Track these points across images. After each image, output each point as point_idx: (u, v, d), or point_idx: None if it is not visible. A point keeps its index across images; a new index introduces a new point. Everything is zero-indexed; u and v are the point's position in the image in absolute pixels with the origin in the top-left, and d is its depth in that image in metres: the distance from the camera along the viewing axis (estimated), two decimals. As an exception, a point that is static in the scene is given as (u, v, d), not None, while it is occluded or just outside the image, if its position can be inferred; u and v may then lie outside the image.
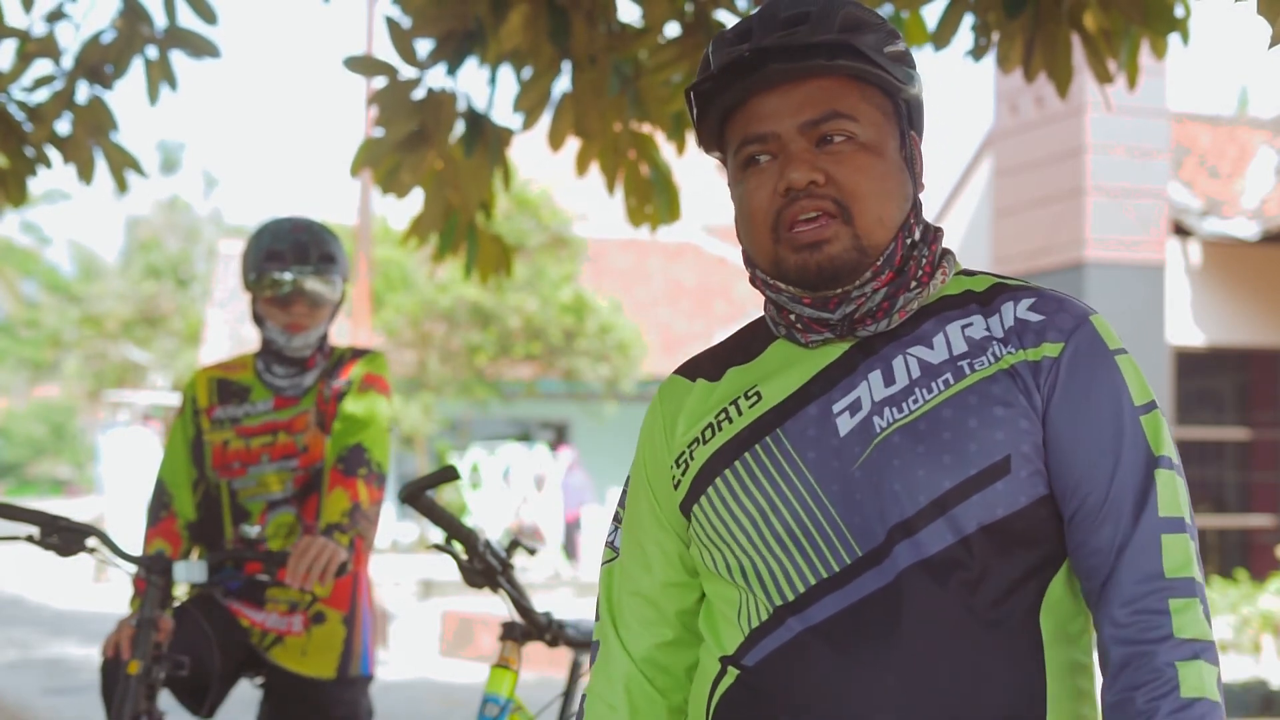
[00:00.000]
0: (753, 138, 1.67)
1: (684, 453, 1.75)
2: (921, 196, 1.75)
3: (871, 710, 1.57)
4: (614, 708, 1.80)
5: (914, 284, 1.68)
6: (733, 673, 1.68)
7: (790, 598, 1.63)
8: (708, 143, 1.75)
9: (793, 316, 1.71)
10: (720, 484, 1.69)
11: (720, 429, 1.72)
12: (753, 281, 1.75)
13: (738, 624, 1.68)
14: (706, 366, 1.81)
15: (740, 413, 1.71)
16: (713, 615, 1.74)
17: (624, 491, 1.88)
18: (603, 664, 1.82)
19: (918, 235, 1.70)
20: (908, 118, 1.72)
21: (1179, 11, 3.92)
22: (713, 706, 1.70)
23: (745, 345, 1.79)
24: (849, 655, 1.59)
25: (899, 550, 1.58)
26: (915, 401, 1.63)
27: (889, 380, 1.65)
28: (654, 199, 4.53)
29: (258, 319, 3.59)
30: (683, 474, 1.74)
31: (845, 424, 1.65)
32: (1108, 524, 1.59)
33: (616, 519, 1.88)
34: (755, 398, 1.71)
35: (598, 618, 1.86)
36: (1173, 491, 1.60)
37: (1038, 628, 1.60)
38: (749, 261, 1.74)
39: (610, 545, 1.87)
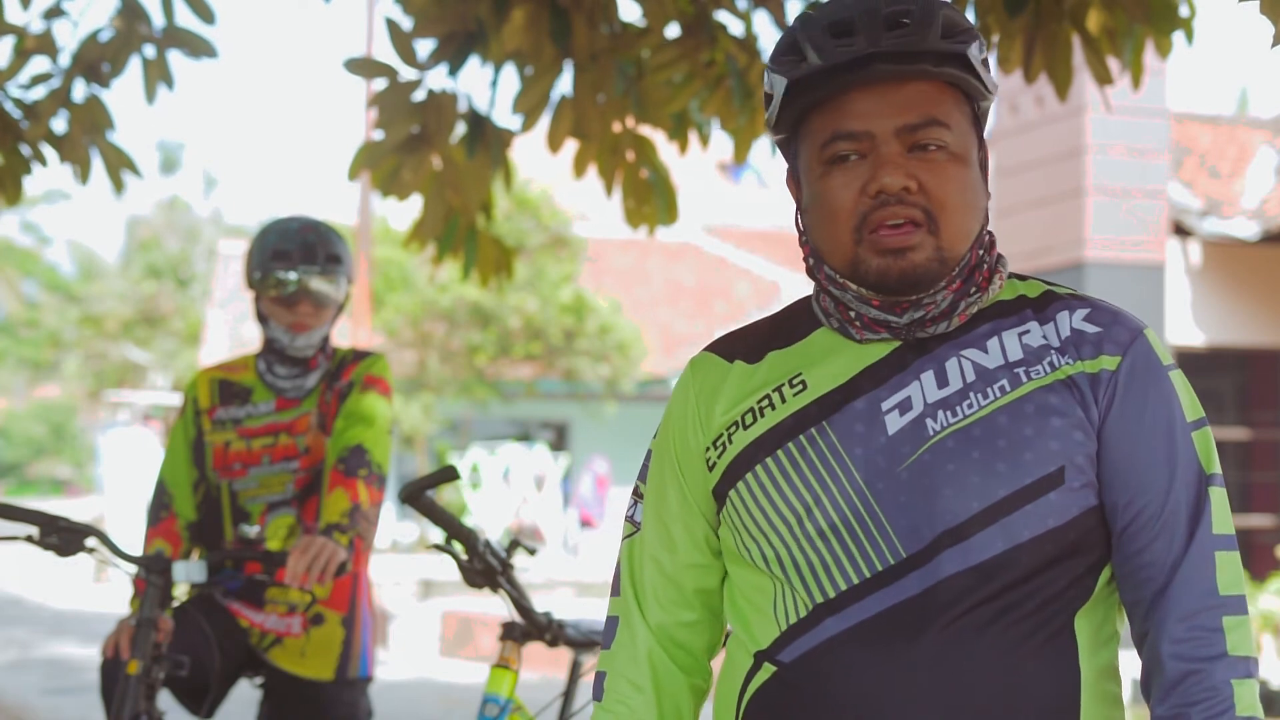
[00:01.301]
0: (844, 134, 1.64)
1: (722, 435, 1.72)
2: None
3: (909, 713, 1.57)
4: (639, 686, 1.77)
5: (974, 289, 1.68)
6: (768, 669, 1.66)
7: (831, 594, 1.62)
8: (782, 128, 1.72)
9: (852, 314, 1.69)
10: (761, 471, 1.68)
11: (762, 415, 1.70)
12: (812, 274, 1.73)
13: (773, 617, 1.66)
14: (743, 347, 1.78)
15: (784, 400, 1.70)
16: (741, 604, 1.72)
17: (644, 465, 1.85)
18: (625, 640, 1.79)
19: (986, 243, 1.71)
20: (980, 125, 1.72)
21: (1183, 10, 3.92)
22: (745, 701, 1.69)
23: (786, 329, 1.77)
24: (886, 657, 1.58)
25: (947, 555, 1.58)
26: (970, 406, 1.62)
27: (942, 382, 1.64)
28: (652, 200, 4.52)
29: (261, 318, 3.58)
30: (719, 456, 1.72)
31: (894, 422, 1.64)
32: (1162, 539, 1.61)
33: (637, 493, 1.85)
34: (800, 386, 1.70)
35: (616, 592, 1.82)
36: (1224, 509, 1.63)
37: (1074, 633, 1.61)
38: (815, 255, 1.72)
39: (630, 520, 1.84)
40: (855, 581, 1.60)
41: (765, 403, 1.71)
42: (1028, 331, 1.67)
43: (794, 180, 1.75)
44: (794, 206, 1.75)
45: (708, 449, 1.74)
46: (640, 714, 1.77)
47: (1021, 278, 1.74)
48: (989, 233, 1.74)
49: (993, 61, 4.18)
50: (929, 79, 1.64)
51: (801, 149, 1.70)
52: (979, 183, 1.68)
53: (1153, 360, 1.65)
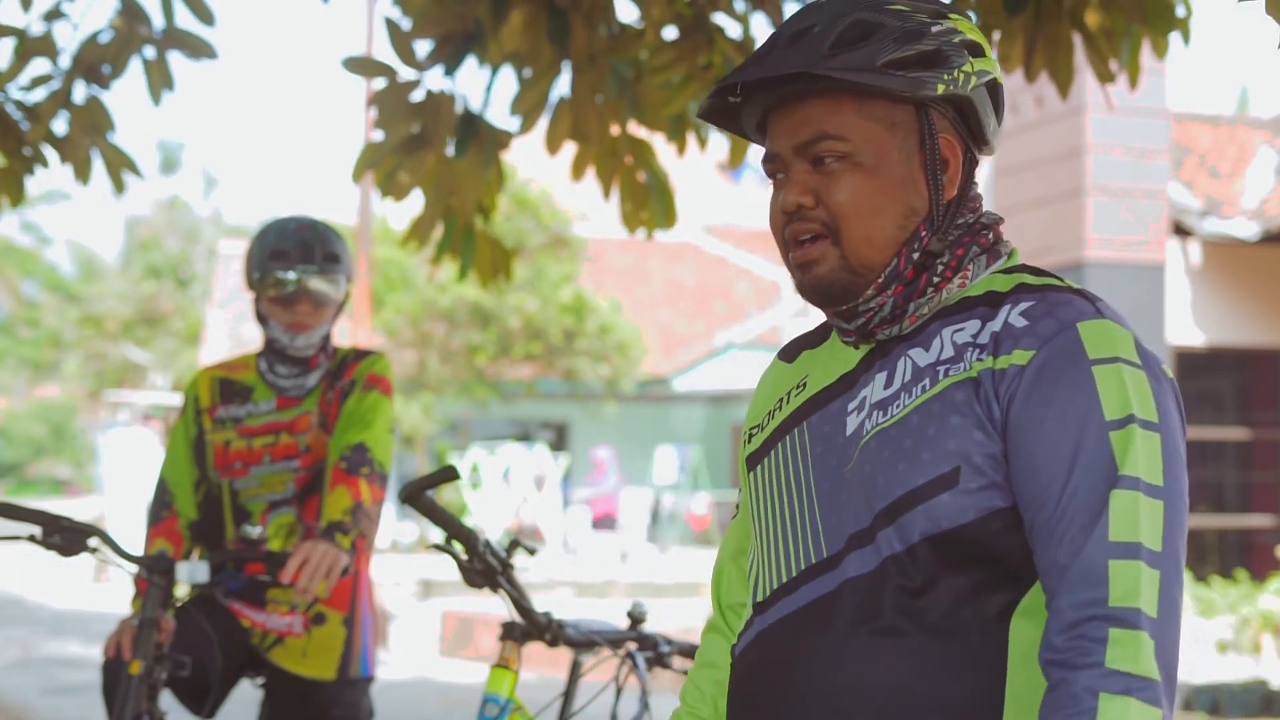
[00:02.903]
0: (768, 157, 1.70)
1: (749, 434, 1.82)
2: (976, 198, 1.71)
3: (807, 708, 1.60)
4: (705, 663, 1.87)
5: (929, 290, 1.66)
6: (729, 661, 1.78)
7: (767, 593, 1.68)
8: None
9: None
10: (759, 471, 1.75)
11: (773, 417, 1.77)
12: None
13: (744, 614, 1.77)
14: (791, 347, 1.86)
15: (789, 401, 1.76)
16: None
17: None
18: (710, 620, 1.90)
19: (932, 245, 1.65)
20: (955, 119, 1.67)
21: (1180, 11, 3.92)
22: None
23: (825, 330, 1.82)
24: (792, 654, 1.63)
25: (853, 555, 1.60)
26: (897, 406, 1.62)
27: (889, 382, 1.65)
28: (650, 204, 4.53)
29: (261, 318, 3.59)
30: (746, 455, 1.81)
31: (851, 423, 1.66)
32: (1054, 543, 1.52)
33: None
34: (802, 388, 1.75)
35: None
36: (1131, 515, 1.49)
37: (1004, 640, 1.56)
38: None
39: (737, 505, 1.94)
40: (784, 580, 1.66)
41: (778, 404, 1.77)
42: (962, 329, 1.62)
43: None
44: None
45: (743, 445, 1.84)
46: (698, 688, 1.85)
47: (1009, 272, 1.68)
48: (976, 230, 1.69)
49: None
50: (825, 93, 1.64)
51: None
52: (895, 187, 1.64)
53: (1073, 354, 1.54)
